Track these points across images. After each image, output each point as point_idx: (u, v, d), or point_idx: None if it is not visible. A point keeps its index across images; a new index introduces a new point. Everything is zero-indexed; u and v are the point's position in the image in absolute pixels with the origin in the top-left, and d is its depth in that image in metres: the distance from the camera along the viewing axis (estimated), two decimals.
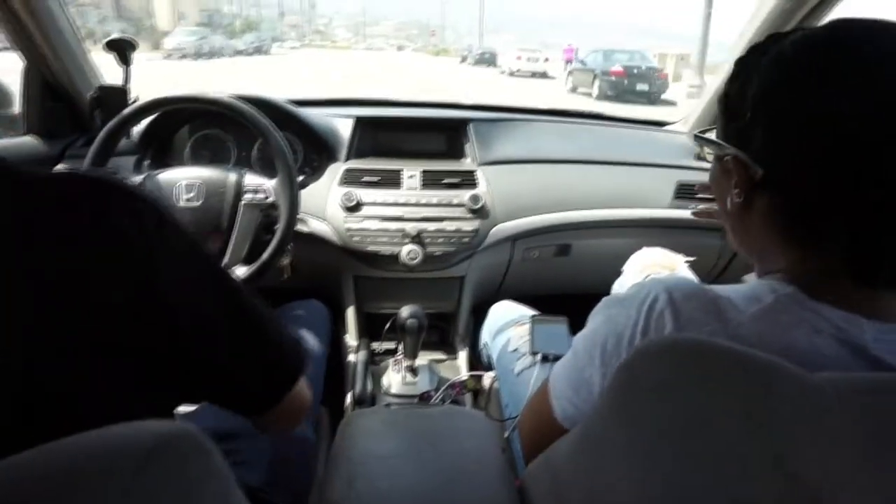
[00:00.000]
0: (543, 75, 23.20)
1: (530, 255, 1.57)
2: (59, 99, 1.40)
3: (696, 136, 0.67)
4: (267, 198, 1.16)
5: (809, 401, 0.37)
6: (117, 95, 1.33)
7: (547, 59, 23.77)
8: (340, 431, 0.83)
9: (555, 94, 15.94)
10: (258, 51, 35.74)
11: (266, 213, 1.19)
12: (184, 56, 24.32)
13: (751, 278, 0.60)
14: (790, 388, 0.38)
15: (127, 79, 1.38)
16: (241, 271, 1.14)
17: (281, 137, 1.16)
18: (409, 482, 0.73)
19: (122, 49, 1.36)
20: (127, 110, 1.15)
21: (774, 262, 0.56)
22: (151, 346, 0.48)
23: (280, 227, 1.14)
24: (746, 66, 0.54)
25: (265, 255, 1.14)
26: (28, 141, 1.40)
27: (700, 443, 0.39)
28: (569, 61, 21.97)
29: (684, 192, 1.56)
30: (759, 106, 0.51)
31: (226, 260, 1.15)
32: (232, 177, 1.17)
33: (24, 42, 1.29)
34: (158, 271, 0.48)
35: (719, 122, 0.58)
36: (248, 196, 1.16)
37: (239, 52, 32.01)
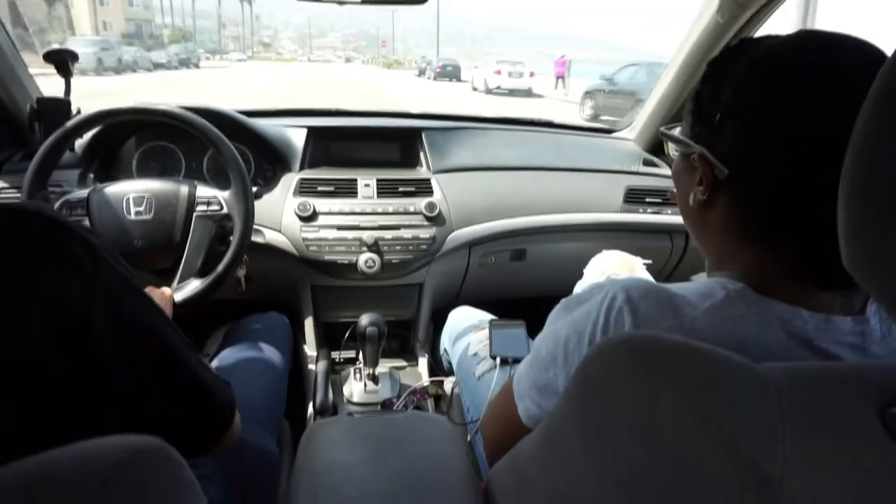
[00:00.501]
0: (528, 93, 19.85)
1: (487, 261, 1.59)
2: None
3: (662, 133, 0.69)
4: (221, 209, 1.14)
5: (756, 390, 0.39)
6: (58, 107, 1.28)
7: (532, 74, 20.15)
8: (303, 443, 0.82)
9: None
10: (185, 64, 32.95)
11: (220, 225, 1.17)
12: (83, 72, 19.66)
13: (699, 278, 0.62)
14: (736, 378, 0.40)
15: (68, 90, 1.34)
16: (195, 284, 1.12)
17: (233, 149, 1.14)
18: (375, 488, 0.73)
19: (62, 61, 1.32)
20: (69, 122, 1.11)
21: (729, 259, 0.59)
22: (84, 384, 0.49)
23: (235, 239, 1.13)
24: (720, 68, 0.57)
25: (220, 268, 1.11)
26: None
27: (654, 434, 0.40)
28: (560, 77, 20.21)
29: (633, 197, 1.62)
30: (731, 109, 0.54)
31: (179, 273, 1.13)
32: (183, 189, 1.15)
33: None
34: (91, 315, 0.49)
35: (686, 121, 0.61)
36: (200, 208, 1.13)
37: (161, 66, 28.86)
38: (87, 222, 1.13)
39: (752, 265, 0.56)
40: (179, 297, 1.11)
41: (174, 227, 1.13)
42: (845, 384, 0.40)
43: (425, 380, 1.36)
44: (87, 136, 1.43)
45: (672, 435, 0.39)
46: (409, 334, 1.57)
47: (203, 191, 1.16)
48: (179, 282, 1.13)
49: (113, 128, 1.44)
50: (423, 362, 1.49)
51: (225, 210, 1.15)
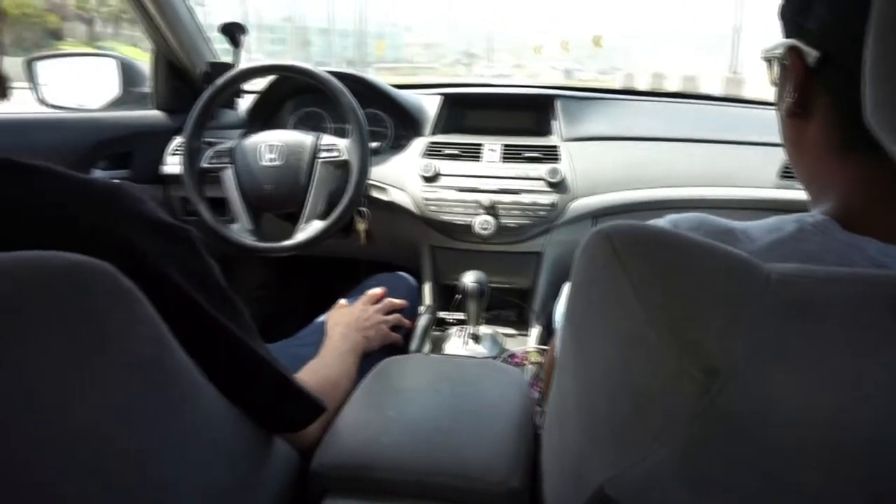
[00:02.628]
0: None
1: None
2: (181, 78, 1.58)
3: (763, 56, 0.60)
4: (340, 155, 1.23)
5: (742, 283, 0.33)
6: (224, 71, 1.47)
7: None
8: (370, 373, 0.85)
9: None
10: None
11: (341, 171, 1.26)
12: None
13: None
14: (715, 265, 0.34)
15: (236, 58, 1.53)
16: (317, 225, 1.22)
17: (353, 100, 1.22)
18: (425, 414, 0.73)
19: (232, 33, 1.51)
20: (218, 80, 1.27)
21: (828, 188, 0.50)
22: None
23: (351, 183, 1.20)
24: None
25: (339, 208, 1.21)
26: (156, 115, 1.59)
27: (615, 327, 0.36)
28: None
29: (791, 172, 1.41)
30: None
31: (304, 215, 1.24)
32: (309, 138, 1.27)
33: (151, 30, 1.47)
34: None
35: (781, 29, 0.53)
36: (323, 154, 1.23)
37: None
38: (230, 170, 1.28)
39: (849, 191, 0.47)
40: (303, 236, 1.22)
41: (300, 172, 1.24)
42: (859, 283, 0.32)
43: (531, 345, 1.32)
44: (250, 99, 1.62)
45: (628, 325, 0.35)
46: (526, 304, 1.54)
47: (326, 139, 1.26)
48: (305, 223, 1.23)
49: (271, 91, 1.61)
50: (534, 332, 1.45)
51: (344, 156, 1.23)
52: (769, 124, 1.56)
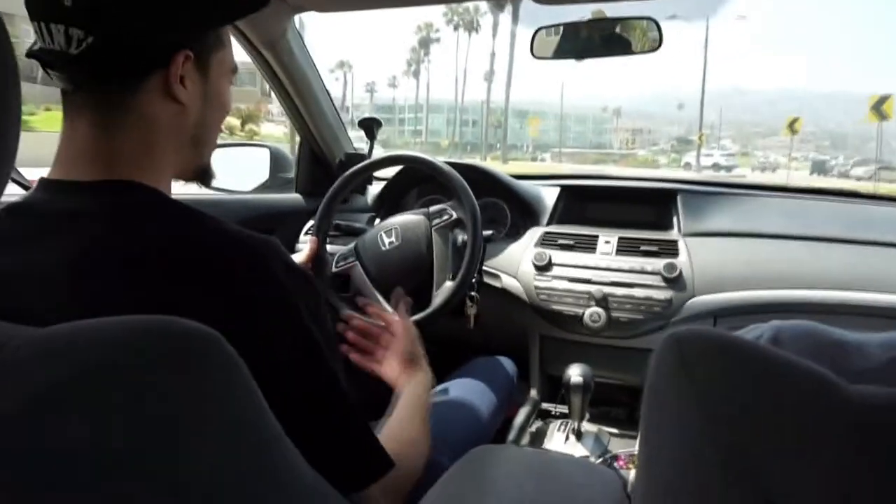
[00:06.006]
0: None
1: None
2: (321, 164, 1.75)
3: None
4: (451, 216, 1.28)
5: (817, 405, 0.31)
6: (357, 161, 1.61)
7: None
8: (458, 461, 0.84)
9: None
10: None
11: (455, 231, 1.30)
12: None
13: None
14: (790, 382, 0.32)
15: (370, 149, 1.68)
16: (448, 285, 1.24)
17: (466, 188, 1.25)
18: None
19: (369, 127, 1.68)
20: (346, 172, 1.38)
21: None
22: None
23: (469, 235, 1.23)
24: None
25: (464, 265, 1.22)
26: (296, 198, 1.76)
27: (677, 438, 0.35)
28: None
29: None
30: None
31: (434, 281, 1.27)
32: (420, 212, 1.33)
33: (299, 123, 1.67)
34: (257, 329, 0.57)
35: None
36: (435, 221, 1.29)
37: None
38: (357, 267, 1.34)
39: None
40: (440, 299, 1.24)
41: (419, 244, 1.29)
42: None
43: (637, 448, 1.24)
44: (378, 186, 1.76)
45: (687, 441, 0.33)
46: (636, 403, 1.46)
47: (434, 207, 1.31)
48: (437, 289, 1.26)
49: (398, 180, 1.73)
50: None
51: (455, 215, 1.28)
52: None
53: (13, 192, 0.61)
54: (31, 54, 0.58)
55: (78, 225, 0.56)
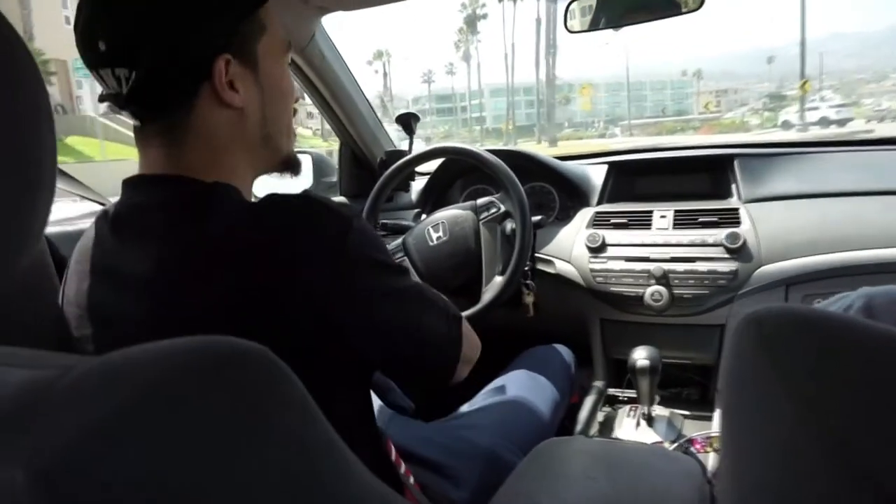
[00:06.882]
0: None
1: (812, 304, 1.33)
2: (362, 166, 1.75)
3: None
4: (499, 210, 1.24)
5: None
6: (398, 158, 1.60)
7: None
8: (529, 454, 0.82)
9: None
10: None
11: (504, 225, 1.26)
12: None
13: None
14: (890, 354, 0.28)
15: (411, 145, 1.66)
16: (498, 280, 1.22)
17: (512, 175, 1.22)
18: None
19: (407, 122, 1.65)
20: (388, 170, 1.37)
21: None
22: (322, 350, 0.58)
23: (518, 229, 1.19)
24: None
25: (513, 259, 1.19)
26: (340, 201, 1.76)
27: (765, 424, 0.32)
28: None
29: None
30: None
31: (484, 276, 1.24)
32: (467, 206, 1.29)
33: (337, 126, 1.66)
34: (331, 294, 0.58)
35: None
36: (483, 215, 1.25)
37: None
38: (406, 264, 1.31)
39: None
40: (490, 294, 1.21)
41: (467, 238, 1.25)
42: None
43: (714, 430, 1.19)
44: (421, 182, 1.74)
45: (777, 428, 0.30)
46: (709, 382, 1.40)
47: (482, 200, 1.27)
48: (486, 284, 1.23)
49: (442, 173, 1.71)
50: (718, 415, 1.31)
51: (503, 208, 1.24)
52: None
53: None
54: (101, 99, 0.61)
55: (161, 223, 0.60)
